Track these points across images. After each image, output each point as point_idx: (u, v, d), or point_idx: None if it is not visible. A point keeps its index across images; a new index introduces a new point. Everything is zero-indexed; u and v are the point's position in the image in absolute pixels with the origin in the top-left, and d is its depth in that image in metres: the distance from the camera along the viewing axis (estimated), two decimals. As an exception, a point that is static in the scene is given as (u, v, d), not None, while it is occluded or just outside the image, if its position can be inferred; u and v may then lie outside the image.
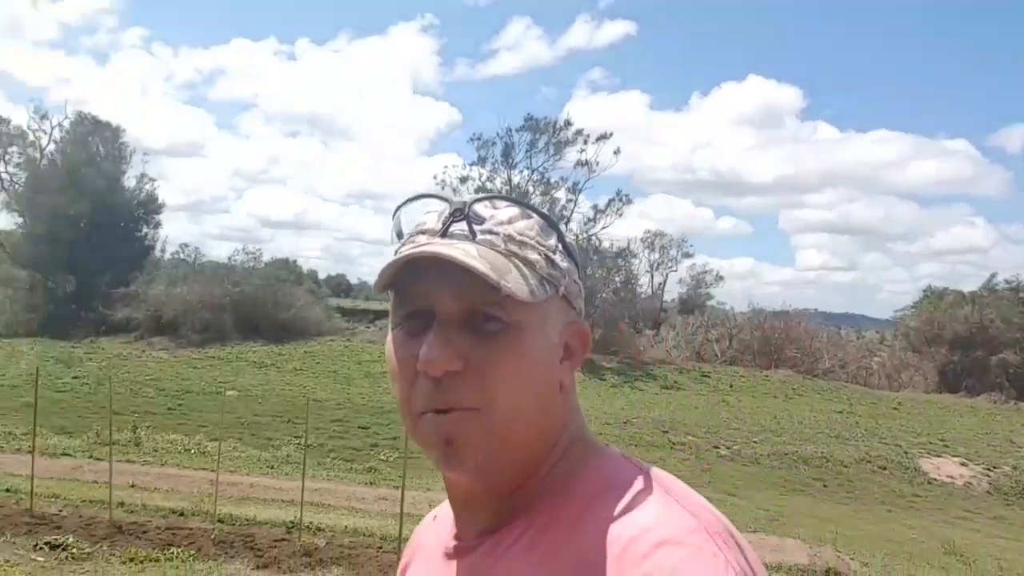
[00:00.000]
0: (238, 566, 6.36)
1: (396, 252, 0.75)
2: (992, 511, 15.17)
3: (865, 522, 12.92)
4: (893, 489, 16.32)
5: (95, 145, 39.73)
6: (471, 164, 38.18)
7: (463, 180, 37.63)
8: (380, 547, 7.25)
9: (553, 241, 0.77)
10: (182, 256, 44.23)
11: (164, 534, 7.06)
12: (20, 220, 39.50)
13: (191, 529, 7.25)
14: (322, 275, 75.85)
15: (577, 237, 38.45)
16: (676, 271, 47.01)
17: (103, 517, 7.38)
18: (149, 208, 40.83)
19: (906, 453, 19.17)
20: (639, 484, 0.72)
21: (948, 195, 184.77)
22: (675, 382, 29.78)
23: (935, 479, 17.32)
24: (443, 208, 0.76)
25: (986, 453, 19.80)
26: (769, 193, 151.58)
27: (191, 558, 6.39)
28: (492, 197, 0.77)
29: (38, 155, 40.58)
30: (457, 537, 0.80)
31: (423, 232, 0.76)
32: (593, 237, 38.69)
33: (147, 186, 41.01)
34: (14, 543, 6.48)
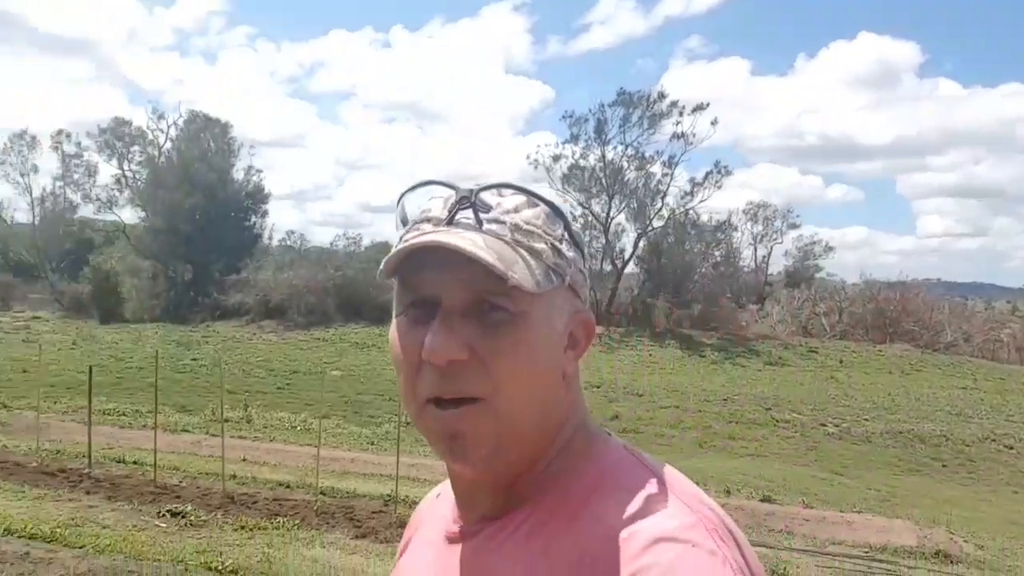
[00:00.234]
0: (338, 535, 6.63)
1: (401, 239, 0.74)
2: None
3: (987, 504, 12.16)
4: (1021, 469, 15.28)
5: (206, 141, 42.00)
6: (564, 142, 37.83)
7: (556, 159, 37.33)
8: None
9: (560, 230, 0.76)
10: (288, 243, 46.39)
11: (271, 504, 7.44)
12: (143, 214, 42.37)
13: (296, 500, 7.61)
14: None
15: (674, 212, 37.61)
16: (781, 243, 45.17)
17: (217, 488, 7.85)
18: (256, 198, 42.87)
19: (1036, 431, 17.89)
20: (639, 477, 0.73)
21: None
22: (780, 358, 28.79)
23: (1069, 459, 16.08)
24: (449, 195, 0.75)
25: None
26: (885, 157, 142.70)
27: (295, 527, 6.71)
28: (499, 185, 0.75)
29: (156, 153, 43.27)
30: (458, 522, 0.80)
31: (428, 219, 0.75)
32: (691, 211, 37.73)
33: (254, 178, 43.10)
34: (140, 510, 6.98)
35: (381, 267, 0.73)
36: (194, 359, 24.15)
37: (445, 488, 0.88)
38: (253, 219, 42.80)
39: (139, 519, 6.70)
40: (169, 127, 42.92)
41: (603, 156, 37.15)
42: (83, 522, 6.40)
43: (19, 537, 5.83)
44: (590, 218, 38.18)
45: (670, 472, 0.75)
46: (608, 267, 38.08)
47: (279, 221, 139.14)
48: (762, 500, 9.69)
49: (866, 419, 19.11)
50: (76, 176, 44.65)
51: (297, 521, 6.88)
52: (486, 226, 0.72)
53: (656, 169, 37.44)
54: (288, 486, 8.36)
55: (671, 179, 37.20)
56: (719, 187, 36.78)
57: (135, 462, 9.14)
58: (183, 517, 6.76)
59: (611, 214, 37.69)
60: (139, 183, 42.82)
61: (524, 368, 0.71)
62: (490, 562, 0.74)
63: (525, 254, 0.71)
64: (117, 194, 43.61)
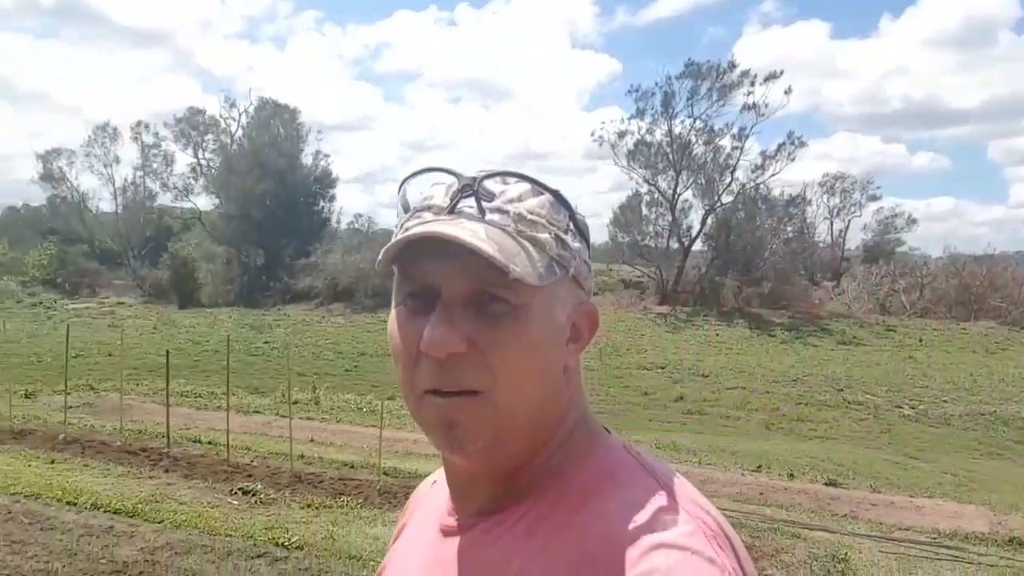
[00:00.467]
0: (399, 515, 6.77)
1: (401, 226, 0.74)
2: None
3: (1076, 490, 11.54)
4: (1113, 454, 14.46)
5: (276, 127, 43.07)
6: (630, 117, 37.10)
7: (621, 135, 36.60)
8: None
9: (564, 220, 0.74)
10: (356, 226, 47.27)
11: (337, 484, 7.66)
12: (216, 201, 43.85)
13: (360, 480, 7.82)
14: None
15: (744, 186, 36.64)
16: (860, 216, 43.56)
17: (286, 468, 8.13)
18: (324, 183, 43.82)
19: None
20: (640, 479, 0.72)
21: None
22: (854, 337, 27.88)
23: None
24: (451, 182, 0.74)
25: None
26: (976, 121, 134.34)
27: (359, 506, 6.91)
28: (502, 173, 0.74)
29: (229, 141, 44.64)
30: (453, 514, 0.80)
31: (429, 207, 0.73)
32: (762, 185, 36.62)
33: (322, 162, 44.06)
34: (214, 488, 7.30)
35: (380, 256, 0.72)
36: (266, 342, 24.98)
37: (441, 475, 0.87)
38: (321, 203, 43.79)
39: (213, 496, 7.00)
40: (240, 115, 44.24)
41: (670, 131, 36.31)
42: (162, 499, 6.73)
43: (105, 512, 6.18)
44: (656, 195, 37.54)
45: (670, 474, 0.74)
46: (675, 245, 37.44)
47: (347, 204, 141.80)
48: (827, 484, 9.46)
49: (945, 400, 18.37)
50: (155, 165, 46.64)
51: (360, 500, 7.06)
52: (488, 215, 0.71)
53: (725, 143, 36.46)
54: (353, 466, 8.59)
55: (741, 152, 36.21)
56: (792, 159, 35.66)
57: (210, 442, 9.54)
58: (253, 495, 7.02)
59: (678, 190, 36.94)
60: (212, 171, 44.30)
61: (525, 361, 0.70)
62: (487, 556, 0.74)
63: (528, 245, 0.70)
64: (192, 182, 45.40)
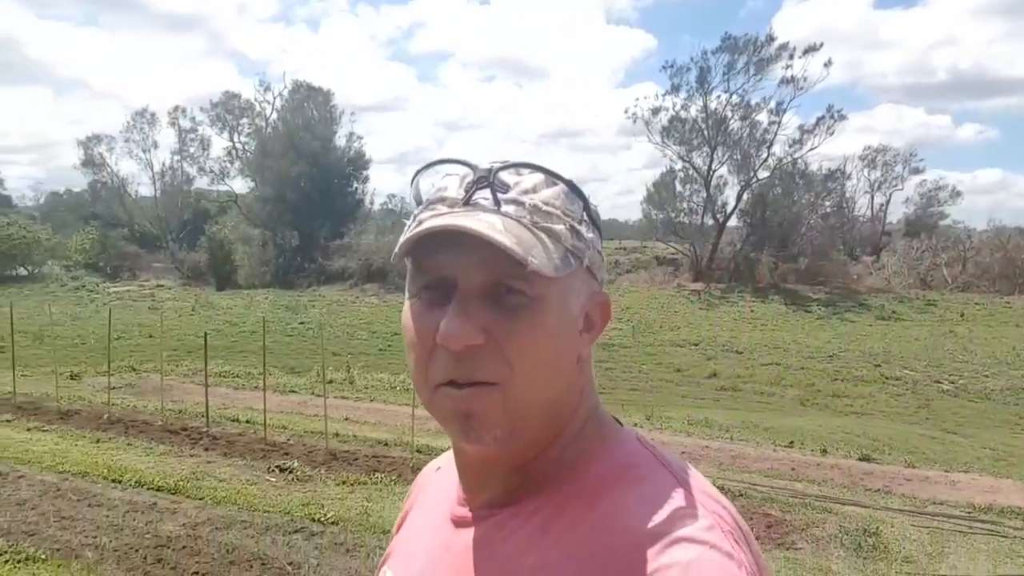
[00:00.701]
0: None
1: (415, 218, 0.73)
2: None
3: (1120, 465, 11.27)
4: None
5: (310, 110, 43.32)
6: (665, 93, 36.55)
7: (655, 112, 36.08)
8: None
9: (578, 210, 0.74)
10: (390, 206, 47.52)
11: (371, 461, 7.80)
12: (252, 184, 44.39)
13: (393, 457, 7.96)
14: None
15: (780, 161, 36.00)
16: (902, 190, 42.63)
17: (321, 446, 8.29)
18: (358, 164, 44.04)
19: None
20: (656, 472, 0.72)
21: None
22: (893, 312, 27.40)
23: None
24: (465, 173, 0.73)
25: None
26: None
27: (392, 482, 7.04)
28: (516, 164, 0.73)
29: (264, 124, 45.09)
30: (464, 505, 0.79)
31: (443, 199, 0.72)
32: (799, 160, 35.91)
33: (355, 144, 44.26)
34: (252, 466, 7.49)
35: (396, 249, 0.71)
36: (301, 323, 25.35)
37: (445, 461, 0.87)
38: (355, 185, 44.05)
39: (251, 474, 7.18)
40: (275, 98, 44.62)
41: (705, 106, 35.75)
42: (202, 476, 6.93)
43: (148, 489, 6.40)
44: (690, 171, 37.08)
45: (684, 468, 0.74)
46: (709, 222, 37.00)
47: (381, 185, 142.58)
48: (860, 459, 9.37)
49: (986, 375, 18.02)
50: (191, 150, 47.42)
51: (394, 477, 7.19)
52: (504, 207, 0.70)
53: (762, 117, 35.80)
54: (386, 444, 8.74)
55: (778, 127, 35.52)
56: (831, 133, 34.91)
57: (248, 421, 9.76)
58: (290, 472, 7.18)
59: (713, 166, 36.43)
60: (248, 154, 44.83)
61: (541, 352, 0.70)
62: (503, 550, 0.73)
63: (544, 237, 0.69)
64: (228, 165, 46.05)
